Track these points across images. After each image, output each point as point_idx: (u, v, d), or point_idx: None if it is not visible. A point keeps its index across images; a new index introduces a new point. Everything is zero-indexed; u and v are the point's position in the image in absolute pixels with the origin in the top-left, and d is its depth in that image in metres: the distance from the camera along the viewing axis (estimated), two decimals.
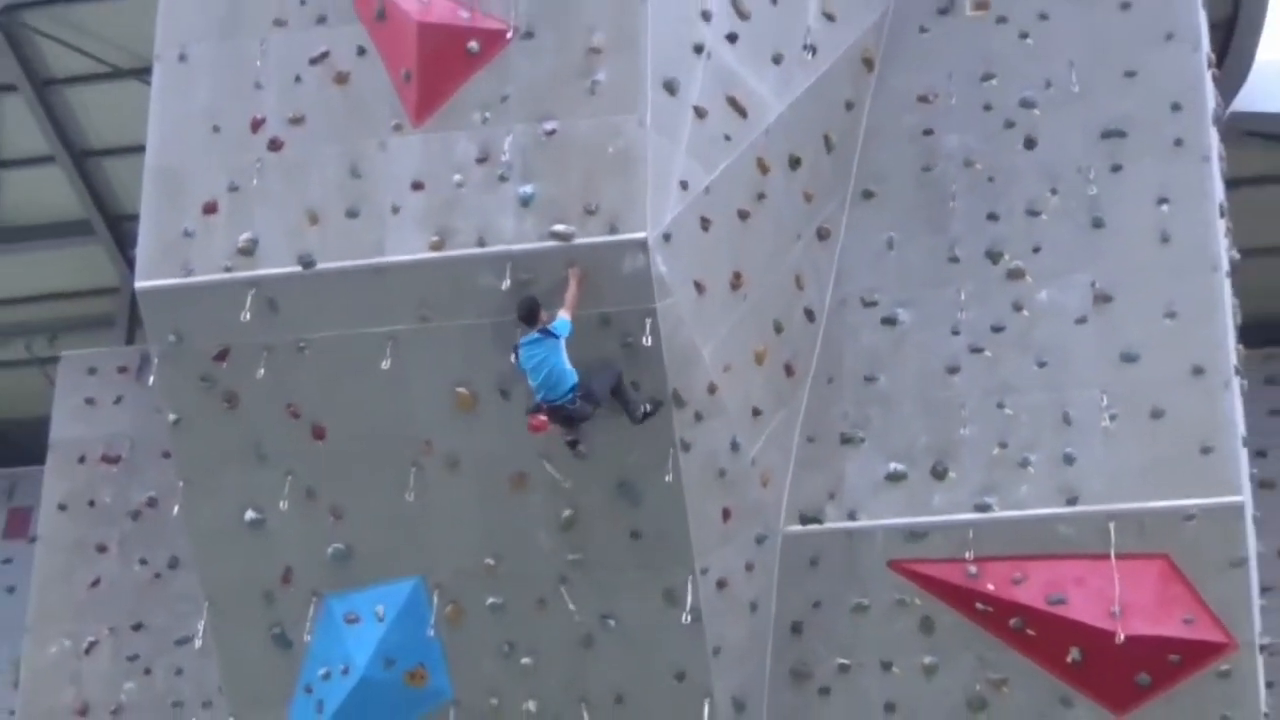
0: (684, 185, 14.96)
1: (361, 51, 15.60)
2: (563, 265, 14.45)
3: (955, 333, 16.26)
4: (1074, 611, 15.27)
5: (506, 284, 14.61)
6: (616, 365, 14.54)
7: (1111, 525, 15.28)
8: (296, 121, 15.63)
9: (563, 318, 14.03)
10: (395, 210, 15.13)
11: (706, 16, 15.51)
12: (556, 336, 13.96)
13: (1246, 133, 18.45)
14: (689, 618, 15.23)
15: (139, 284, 15.71)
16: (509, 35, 15.19)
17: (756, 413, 15.89)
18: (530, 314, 14.11)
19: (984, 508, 15.63)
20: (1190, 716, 15.31)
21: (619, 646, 15.59)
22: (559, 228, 14.57)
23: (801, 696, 16.05)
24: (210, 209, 15.58)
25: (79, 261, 21.48)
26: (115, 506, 19.77)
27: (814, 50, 16.59)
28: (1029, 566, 15.43)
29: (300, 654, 16.16)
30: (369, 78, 15.56)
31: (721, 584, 15.58)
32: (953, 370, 16.17)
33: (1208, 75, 16.79)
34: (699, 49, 15.37)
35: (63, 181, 20.91)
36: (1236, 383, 15.77)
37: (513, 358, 14.28)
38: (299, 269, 15.25)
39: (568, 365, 13.97)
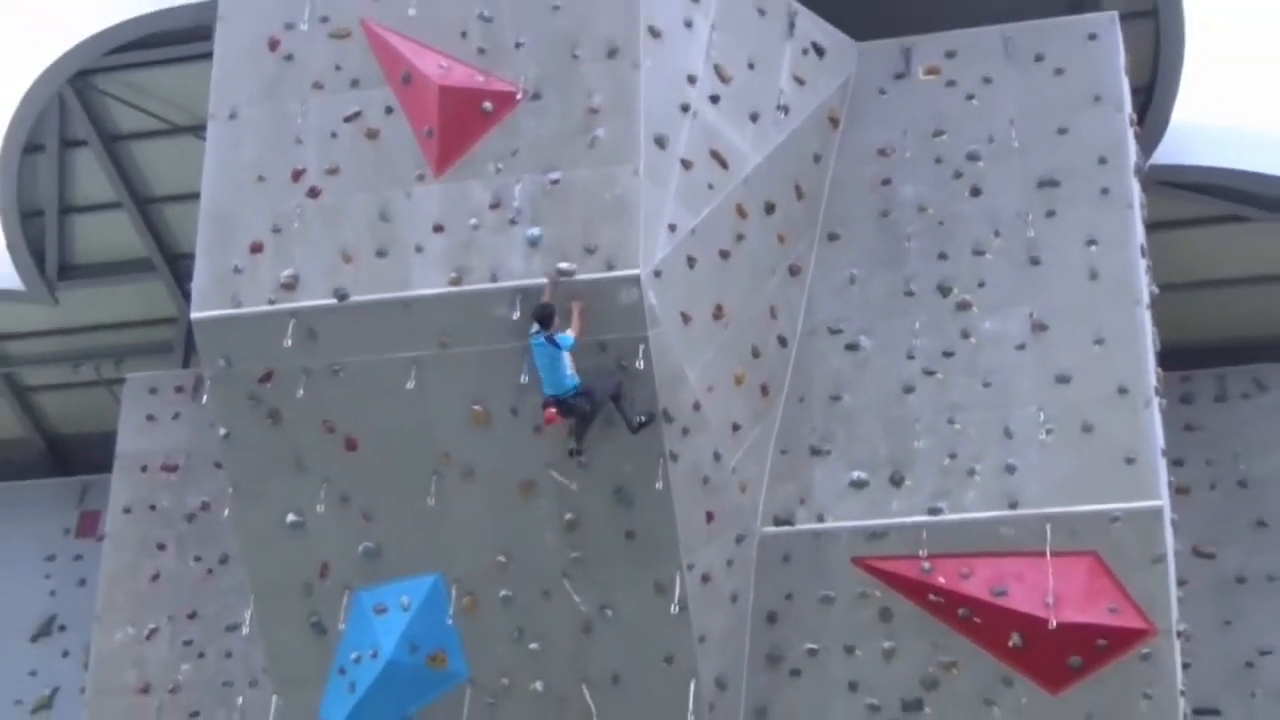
0: (672, 228, 14.91)
1: (389, 111, 15.52)
2: (566, 299, 14.37)
3: (910, 357, 16.11)
4: (1014, 602, 15.11)
5: (516, 315, 14.60)
6: (619, 376, 14.52)
7: (1047, 526, 15.14)
8: (332, 172, 15.54)
9: (568, 334, 14.14)
10: (419, 250, 15.06)
11: (692, 80, 15.47)
12: (559, 348, 14.06)
13: (1164, 183, 18.34)
14: (677, 608, 15.09)
15: (194, 314, 15.61)
16: (519, 97, 15.18)
17: (736, 428, 15.74)
18: (544, 317, 14.21)
19: (936, 511, 15.47)
20: (1116, 694, 15.13)
21: (615, 634, 15.44)
22: (563, 265, 14.51)
23: (775, 677, 15.88)
24: (257, 249, 15.49)
25: (142, 295, 21.37)
26: (173, 510, 19.65)
27: (786, 110, 16.49)
28: (975, 563, 15.29)
29: (335, 640, 16.00)
30: (396, 134, 15.49)
31: (705, 578, 15.43)
32: (908, 390, 16.01)
33: (1130, 133, 16.70)
34: (686, 108, 15.35)
35: (127, 225, 20.81)
36: (1156, 401, 15.64)
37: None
38: (334, 301, 15.16)
39: (569, 372, 14.08)
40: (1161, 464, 15.44)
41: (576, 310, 14.35)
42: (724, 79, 15.81)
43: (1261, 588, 18.57)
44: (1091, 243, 16.08)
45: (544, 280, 14.50)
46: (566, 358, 14.11)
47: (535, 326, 14.22)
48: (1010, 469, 15.43)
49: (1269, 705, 18.18)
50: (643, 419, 14.52)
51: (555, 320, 14.18)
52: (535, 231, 14.78)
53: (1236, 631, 18.40)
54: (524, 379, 14.57)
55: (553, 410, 14.13)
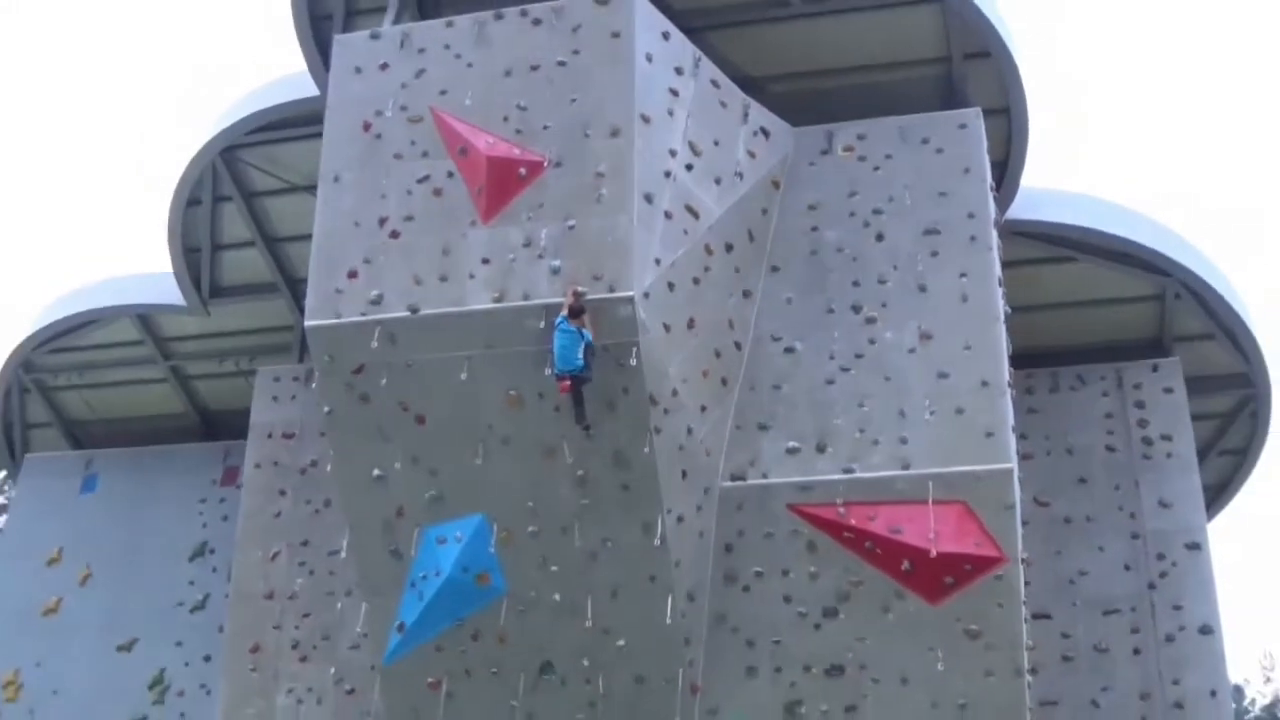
0: (657, 261, 14.50)
1: (450, 175, 15.04)
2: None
3: (831, 358, 15.59)
4: (906, 538, 14.62)
5: (542, 325, 14.15)
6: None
7: (930, 483, 14.66)
8: (408, 219, 15.02)
9: (588, 332, 13.85)
10: (472, 276, 14.57)
11: (673, 153, 15.05)
12: (583, 338, 13.77)
13: (1015, 233, 17.90)
14: (659, 541, 14.62)
15: (307, 323, 15.10)
16: (545, 165, 14.73)
17: (703, 409, 15.24)
18: (578, 310, 13.86)
19: (849, 471, 14.98)
20: (978, 604, 14.68)
21: (613, 560, 14.92)
22: (578, 288, 14.07)
23: (731, 592, 15.36)
24: (353, 275, 14.96)
25: (269, 309, 20.80)
26: (290, 466, 19.08)
27: (741, 176, 15.98)
28: (878, 509, 14.81)
29: (408, 563, 15.44)
30: (455, 192, 14.99)
31: (680, 519, 14.94)
32: (830, 382, 15.49)
33: (990, 196, 16.26)
34: (668, 174, 14.91)
35: (259, 258, 20.29)
36: (1009, 392, 15.20)
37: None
38: (409, 314, 14.66)
39: (580, 357, 13.71)
40: (1011, 437, 14.99)
41: (589, 318, 14.01)
42: (696, 153, 15.36)
43: (1081, 527, 18.22)
44: (963, 275, 15.62)
45: (564, 299, 14.06)
46: (582, 346, 13.76)
47: (565, 316, 13.85)
48: (904, 440, 14.94)
49: (1085, 611, 17.82)
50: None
51: (585, 315, 13.87)
52: (557, 263, 14.31)
53: (1063, 559, 18.03)
54: (547, 372, 14.06)
55: (567, 383, 13.79)
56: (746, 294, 16.07)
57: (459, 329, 14.52)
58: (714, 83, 15.99)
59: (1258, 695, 36.42)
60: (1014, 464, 14.81)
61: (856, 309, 15.77)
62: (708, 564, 15.33)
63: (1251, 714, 35.32)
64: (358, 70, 15.84)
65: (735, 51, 16.72)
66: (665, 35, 15.51)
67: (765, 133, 16.49)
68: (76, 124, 74.40)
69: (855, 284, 15.90)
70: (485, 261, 14.58)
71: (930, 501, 14.60)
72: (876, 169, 16.39)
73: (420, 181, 15.14)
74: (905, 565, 14.64)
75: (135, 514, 21.71)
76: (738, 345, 15.87)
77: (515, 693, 15.38)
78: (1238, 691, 34.81)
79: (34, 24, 73.74)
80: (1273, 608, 53.63)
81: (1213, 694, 17.21)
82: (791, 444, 15.29)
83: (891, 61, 17.01)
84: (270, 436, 19.32)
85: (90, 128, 74.23)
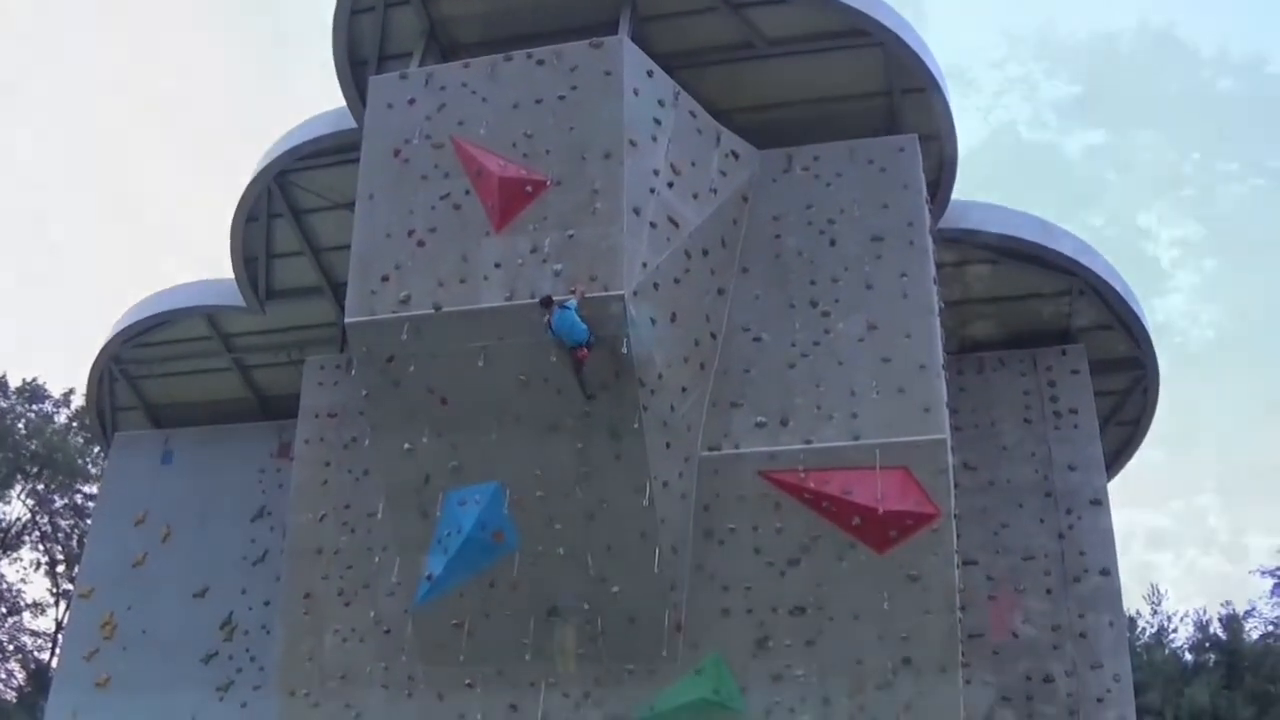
0: (645, 265, 14.10)
1: (468, 193, 14.61)
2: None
3: (793, 346, 15.17)
4: (857, 498, 14.25)
5: (547, 318, 13.65)
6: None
7: (877, 451, 14.27)
8: (432, 231, 14.60)
9: (570, 301, 13.37)
10: (486, 278, 14.17)
11: (656, 173, 14.63)
12: (568, 309, 13.27)
13: (946, 239, 17.38)
14: (647, 503, 14.22)
15: (347, 320, 14.68)
16: (548, 184, 14.31)
17: (684, 389, 14.81)
18: (548, 302, 13.39)
19: (809, 442, 14.57)
20: (917, 553, 14.30)
21: (609, 519, 14.52)
22: (576, 288, 13.67)
23: (708, 546, 14.95)
24: (385, 279, 14.54)
25: (315, 308, 20.15)
26: (334, 441, 18.46)
27: (715, 191, 15.53)
28: (832, 474, 14.41)
29: (434, 523, 15.04)
30: (472, 207, 14.57)
31: (665, 484, 14.53)
32: (791, 366, 15.07)
33: (926, 208, 15.84)
34: (652, 190, 14.50)
35: (307, 265, 19.69)
36: (942, 374, 14.81)
37: (546, 320, 13.46)
38: (433, 311, 14.24)
39: (581, 324, 13.23)
40: (945, 412, 14.59)
41: (579, 292, 13.59)
42: (676, 172, 14.92)
43: (1002, 488, 17.74)
44: (903, 275, 15.21)
45: (566, 297, 13.60)
46: (574, 317, 13.23)
47: (545, 318, 13.43)
48: (854, 415, 14.55)
49: (1006, 558, 17.33)
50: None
51: (554, 303, 13.38)
52: (558, 267, 13.90)
53: (988, 515, 17.55)
54: (552, 359, 13.66)
55: (583, 351, 13.32)
56: (720, 292, 15.61)
57: (475, 324, 14.09)
58: (691, 113, 15.56)
59: (1146, 625, 36.21)
60: (947, 435, 14.42)
61: (814, 304, 15.33)
62: (689, 521, 14.90)
63: (1142, 640, 35.07)
64: (389, 106, 15.39)
65: (709, 86, 16.25)
66: (649, 73, 15.10)
67: (735, 155, 16.02)
68: (158, 156, 73.77)
69: (812, 283, 15.45)
70: (497, 266, 14.14)
71: (877, 467, 14.20)
72: (829, 185, 15.93)
73: (442, 199, 14.69)
74: (856, 521, 14.24)
75: (206, 482, 21.14)
76: (713, 335, 15.42)
77: (527, 632, 14.98)
78: (1130, 622, 34.53)
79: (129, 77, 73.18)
80: (1158, 550, 53.72)
81: (1110, 624, 16.89)
82: (759, 419, 14.85)
83: (841, 95, 16.53)
84: (317, 416, 18.73)
85: (169, 157, 73.59)
